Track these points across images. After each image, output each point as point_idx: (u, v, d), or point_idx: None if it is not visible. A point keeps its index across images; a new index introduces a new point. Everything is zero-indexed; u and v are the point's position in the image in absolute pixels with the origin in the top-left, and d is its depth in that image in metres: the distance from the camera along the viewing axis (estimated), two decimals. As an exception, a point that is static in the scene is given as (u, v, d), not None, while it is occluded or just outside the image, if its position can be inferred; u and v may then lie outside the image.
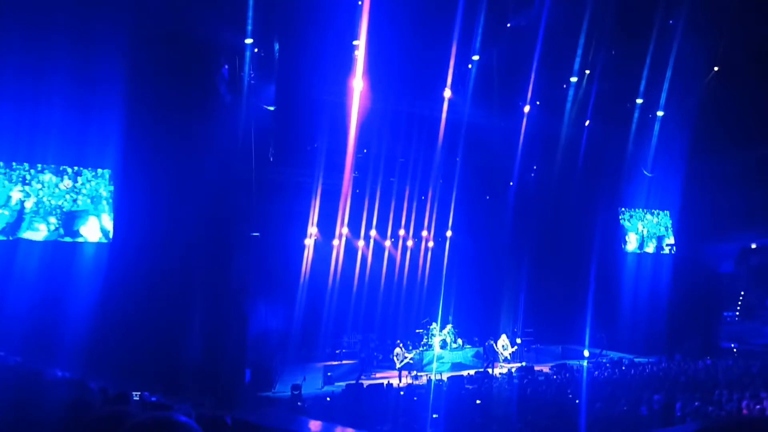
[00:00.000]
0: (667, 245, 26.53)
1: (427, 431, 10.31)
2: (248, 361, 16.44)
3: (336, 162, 19.61)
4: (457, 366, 19.89)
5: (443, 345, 20.41)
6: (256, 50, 17.30)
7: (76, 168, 15.64)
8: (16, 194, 14.99)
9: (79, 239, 15.53)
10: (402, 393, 14.85)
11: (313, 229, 19.96)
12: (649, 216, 26.67)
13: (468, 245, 23.25)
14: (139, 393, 8.95)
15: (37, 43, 13.95)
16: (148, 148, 15.43)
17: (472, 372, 17.97)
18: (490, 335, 20.86)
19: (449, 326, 20.96)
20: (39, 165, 15.22)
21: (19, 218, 14.97)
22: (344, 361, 19.45)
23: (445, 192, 22.54)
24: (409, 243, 22.72)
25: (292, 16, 17.45)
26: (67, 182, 15.51)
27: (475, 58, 20.48)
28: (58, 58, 13.96)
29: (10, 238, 14.77)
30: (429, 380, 16.86)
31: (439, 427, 10.30)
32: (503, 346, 20.69)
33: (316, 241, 20.17)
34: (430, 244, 23.15)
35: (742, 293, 25.92)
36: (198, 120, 15.73)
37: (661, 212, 26.82)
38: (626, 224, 26.12)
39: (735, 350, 21.91)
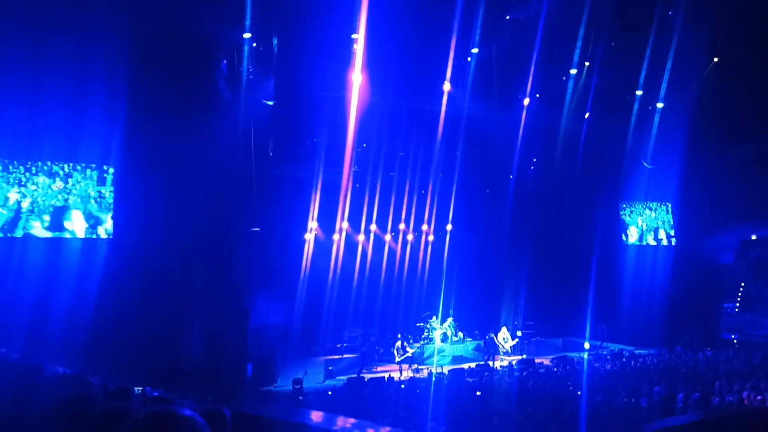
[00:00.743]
0: (668, 237, 26.53)
1: (429, 424, 10.33)
2: (250, 355, 16.47)
3: (336, 157, 19.59)
4: (458, 359, 19.93)
5: (444, 338, 20.45)
6: (254, 45, 17.25)
7: (67, 169, 15.61)
8: (13, 195, 15.04)
9: (66, 234, 15.53)
10: (403, 386, 14.88)
11: (313, 224, 19.96)
12: (649, 208, 26.66)
13: (468, 239, 23.26)
14: (141, 388, 8.96)
15: (35, 42, 13.91)
16: (148, 145, 15.42)
17: (473, 365, 18.01)
18: (491, 328, 20.91)
19: (450, 319, 21.00)
20: (33, 168, 15.23)
21: (16, 217, 15.00)
22: (345, 355, 19.50)
23: (445, 186, 22.53)
24: (410, 237, 22.73)
25: (290, 11, 17.38)
26: (59, 183, 15.53)
27: (475, 51, 20.43)
28: (56, 56, 13.94)
29: (9, 236, 14.80)
30: (430, 373, 16.90)
31: (441, 420, 10.31)
32: (504, 338, 20.73)
33: (316, 236, 20.18)
34: (431, 237, 23.17)
35: (743, 284, 25.94)
36: (197, 116, 15.70)
37: (661, 204, 26.81)
38: (626, 217, 26.12)
39: (735, 341, 21.95)
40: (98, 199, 15.93)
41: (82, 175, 15.80)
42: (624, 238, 25.72)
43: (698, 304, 23.81)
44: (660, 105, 23.66)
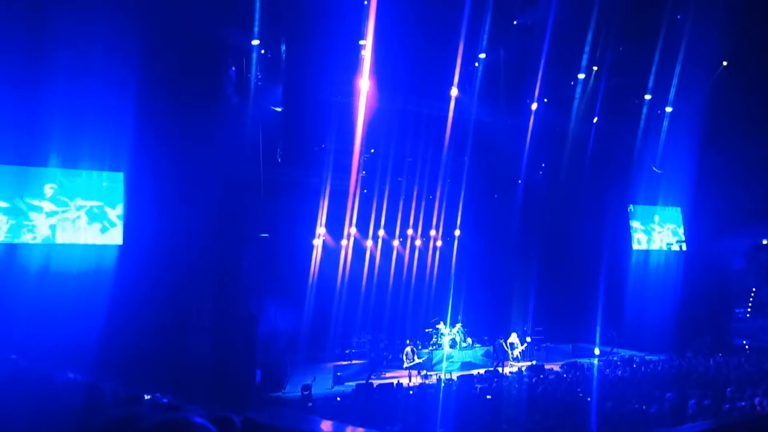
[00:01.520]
0: (678, 242, 26.36)
1: (438, 431, 10.30)
2: (258, 361, 16.48)
3: (344, 162, 19.62)
4: (466, 365, 19.87)
5: (453, 344, 20.40)
6: (263, 51, 17.34)
7: (76, 175, 15.72)
8: (22, 202, 15.19)
9: (76, 240, 15.64)
10: (412, 393, 14.84)
11: (321, 230, 20.00)
12: (658, 213, 26.52)
13: (476, 244, 23.22)
14: (150, 395, 8.98)
15: (39, 47, 14.03)
16: (157, 151, 15.50)
17: (482, 371, 17.94)
18: (500, 334, 20.83)
19: (459, 325, 20.94)
20: (42, 174, 15.35)
21: (22, 224, 15.13)
22: (354, 361, 19.47)
23: (453, 191, 22.51)
24: (418, 242, 22.71)
25: (298, 17, 17.47)
26: (67, 189, 15.66)
27: (482, 56, 20.44)
28: (62, 62, 14.05)
29: (15, 242, 14.92)
30: (439, 379, 16.85)
31: (450, 427, 10.29)
32: (513, 344, 20.66)
33: (324, 242, 20.20)
34: (439, 243, 23.13)
35: (754, 290, 25.72)
36: (205, 122, 15.78)
37: (671, 209, 26.67)
38: (635, 221, 25.99)
39: (747, 347, 21.75)
40: (108, 206, 16.03)
41: (92, 181, 15.90)
42: (633, 243, 25.58)
43: (709, 310, 23.64)
44: (669, 109, 23.57)
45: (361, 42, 17.64)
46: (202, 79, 16.11)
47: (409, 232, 22.35)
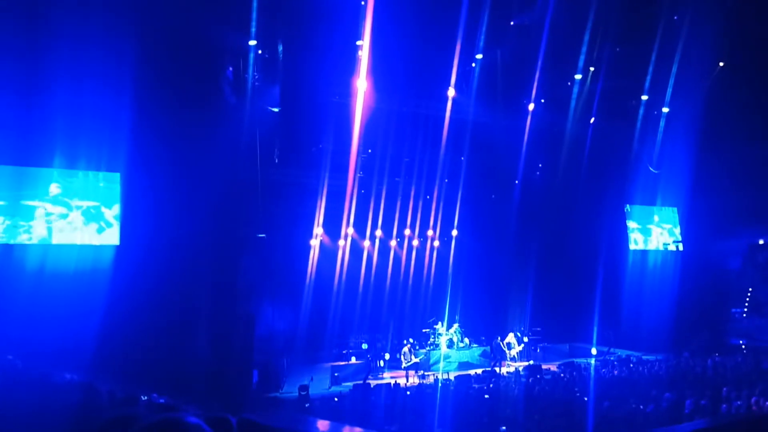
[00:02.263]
0: (674, 242, 26.42)
1: (435, 431, 10.30)
2: (255, 361, 16.47)
3: (341, 162, 19.62)
4: (464, 365, 19.89)
5: (450, 344, 20.41)
6: (260, 52, 17.34)
7: (74, 176, 15.70)
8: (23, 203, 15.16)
9: (73, 241, 15.61)
10: (409, 393, 14.85)
11: (318, 230, 19.99)
12: (655, 213, 26.58)
13: (474, 244, 23.23)
14: (146, 395, 8.97)
15: (36, 49, 14.02)
16: (153, 151, 15.49)
17: (479, 371, 17.96)
18: (497, 334, 20.85)
19: (456, 325, 20.96)
20: (41, 174, 15.33)
21: (18, 225, 15.10)
22: (351, 361, 19.47)
23: (451, 191, 22.52)
24: (415, 242, 22.72)
25: (295, 18, 17.47)
26: (66, 190, 15.64)
27: (479, 56, 20.46)
28: (59, 63, 14.03)
29: (11, 242, 14.90)
30: (436, 380, 16.86)
31: (447, 426, 10.29)
32: (510, 344, 20.68)
33: (321, 242, 20.20)
34: (436, 243, 23.14)
35: (750, 290, 25.77)
36: (203, 122, 15.77)
37: (667, 209, 26.73)
38: (632, 222, 26.04)
39: (743, 347, 21.80)
40: (104, 206, 16.01)
41: (88, 182, 15.88)
42: (630, 243, 25.63)
43: (706, 310, 23.69)
44: (666, 110, 23.62)
45: (358, 42, 17.64)
46: (199, 80, 16.10)
47: (407, 232, 22.35)
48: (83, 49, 14.23)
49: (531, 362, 19.90)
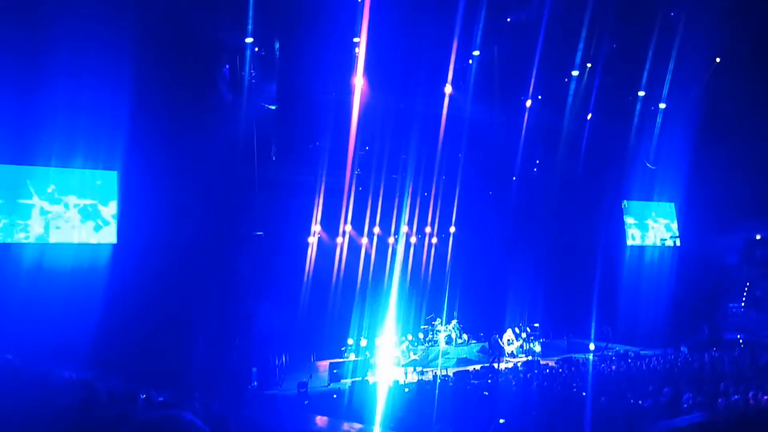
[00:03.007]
0: (672, 238, 26.48)
1: (434, 427, 10.32)
2: (254, 359, 16.47)
3: (338, 160, 19.61)
4: (462, 361, 19.92)
5: (448, 341, 20.43)
6: (256, 49, 17.31)
7: (70, 174, 15.67)
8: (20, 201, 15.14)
9: (70, 239, 15.60)
10: (407, 389, 14.87)
11: (316, 228, 19.99)
12: (653, 209, 26.64)
13: (472, 241, 23.24)
14: (145, 393, 8.97)
15: (37, 45, 13.98)
16: (150, 149, 15.47)
17: (477, 367, 17.99)
18: (495, 330, 20.88)
19: (454, 322, 20.98)
20: (37, 173, 15.30)
21: (15, 223, 15.08)
22: (350, 358, 19.48)
23: (448, 188, 22.52)
24: (413, 239, 22.71)
25: (291, 15, 17.44)
26: (62, 188, 15.62)
27: (476, 53, 20.44)
28: (56, 60, 13.99)
29: (9, 241, 14.88)
30: (435, 376, 16.88)
31: (446, 422, 10.31)
32: (509, 340, 20.72)
33: (319, 239, 20.19)
34: (434, 240, 23.14)
35: (748, 284, 25.85)
36: (200, 120, 15.76)
37: (665, 204, 26.78)
38: (630, 217, 26.09)
39: (741, 341, 21.87)
40: (101, 204, 15.99)
41: (85, 180, 15.85)
42: (628, 238, 25.68)
43: (703, 305, 23.77)
44: (662, 105, 23.65)
45: (355, 39, 17.62)
46: (196, 78, 16.08)
47: (405, 229, 22.34)
48: (80, 47, 14.19)
49: (529, 358, 19.94)
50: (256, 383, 16.29)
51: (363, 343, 19.45)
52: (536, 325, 22.30)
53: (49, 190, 15.41)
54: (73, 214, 15.63)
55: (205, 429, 1.79)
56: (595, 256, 22.30)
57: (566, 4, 19.36)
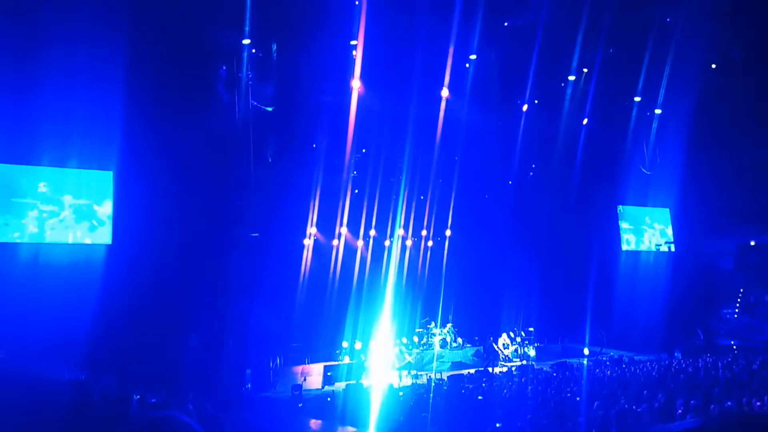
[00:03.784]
0: (666, 243, 26.55)
1: (428, 430, 10.31)
2: (248, 361, 16.43)
3: (335, 162, 19.60)
4: (457, 365, 19.89)
5: (443, 344, 20.41)
6: (253, 51, 17.30)
7: (66, 174, 15.62)
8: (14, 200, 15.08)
9: (65, 240, 15.55)
10: (401, 393, 14.84)
11: (312, 230, 19.97)
12: (647, 214, 26.71)
13: (467, 244, 23.25)
14: (138, 394, 8.95)
15: (33, 46, 13.95)
16: (146, 150, 15.45)
17: (472, 371, 17.97)
18: (490, 334, 20.88)
19: (449, 325, 20.97)
20: (32, 173, 15.25)
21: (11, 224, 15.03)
22: (344, 361, 19.44)
23: (444, 191, 22.53)
24: (409, 242, 22.71)
25: (289, 17, 17.44)
26: (58, 188, 15.57)
27: (473, 57, 20.48)
28: (52, 61, 13.97)
29: (2, 241, 14.83)
30: (429, 379, 16.85)
31: (440, 426, 10.30)
32: (503, 344, 20.72)
33: (315, 241, 20.17)
34: (430, 243, 23.15)
35: (742, 290, 25.94)
36: (196, 121, 15.74)
37: (660, 210, 26.86)
38: (625, 222, 26.16)
39: (735, 347, 21.93)
40: (96, 205, 15.94)
41: (80, 180, 15.81)
42: (622, 243, 25.75)
43: (697, 310, 23.83)
44: (658, 111, 23.73)
45: (353, 42, 17.63)
46: (193, 78, 16.07)
47: (400, 232, 22.34)
48: (76, 47, 14.18)
49: (524, 362, 19.94)
50: (250, 385, 16.24)
51: (357, 346, 19.39)
52: (531, 329, 22.28)
53: (44, 190, 15.36)
54: (67, 214, 15.58)
55: (200, 430, 1.79)
56: (590, 260, 22.36)
57: (563, 9, 19.41)
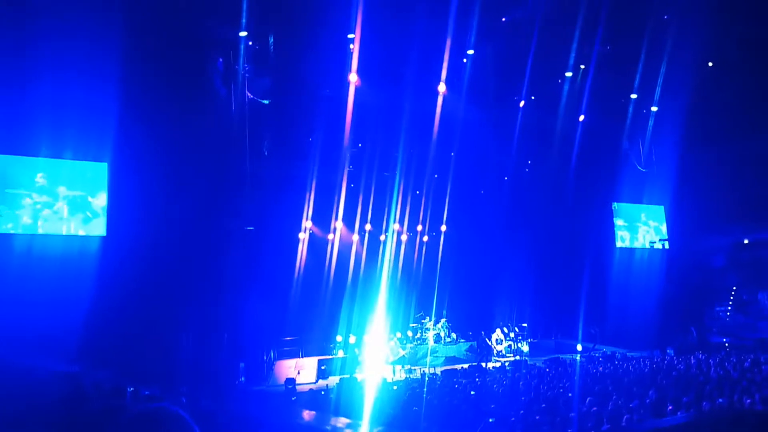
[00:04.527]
0: (660, 240, 26.65)
1: (421, 425, 10.35)
2: (242, 354, 16.44)
3: (331, 156, 19.58)
4: (450, 360, 19.96)
5: (437, 339, 20.47)
6: (250, 43, 17.24)
7: (60, 166, 15.55)
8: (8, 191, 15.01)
9: (60, 231, 15.50)
10: (395, 387, 14.88)
11: (307, 223, 19.96)
12: (642, 211, 26.80)
13: (462, 239, 23.29)
14: (132, 387, 8.94)
15: (27, 36, 13.87)
16: (143, 142, 15.39)
17: (465, 366, 18.04)
18: (484, 329, 20.95)
19: (443, 320, 21.03)
20: (26, 164, 15.18)
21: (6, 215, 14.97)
22: (338, 355, 19.48)
23: (440, 186, 22.55)
24: (404, 237, 22.73)
25: (286, 10, 17.38)
26: (52, 180, 15.50)
27: (470, 52, 20.45)
28: (46, 51, 13.89)
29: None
30: (423, 374, 16.91)
31: (433, 421, 10.34)
32: (497, 340, 20.79)
33: (311, 235, 20.16)
34: (425, 238, 23.18)
35: (734, 288, 26.07)
36: (192, 113, 15.69)
37: (654, 207, 26.95)
38: (619, 219, 26.24)
39: (727, 345, 22.06)
40: (91, 196, 15.88)
41: (75, 171, 15.74)
42: (617, 240, 25.83)
43: (690, 308, 23.95)
44: (654, 108, 23.77)
45: (350, 36, 17.59)
46: (189, 71, 16.01)
47: (396, 226, 22.35)
48: (71, 38, 14.09)
49: (517, 358, 20.02)
50: (243, 378, 16.26)
51: (352, 340, 19.42)
52: (524, 325, 22.38)
53: (39, 181, 15.29)
54: (62, 206, 15.52)
55: (192, 422, 1.80)
56: (584, 257, 22.43)
57: (560, 5, 19.39)
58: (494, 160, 23.29)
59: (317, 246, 20.37)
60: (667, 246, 26.51)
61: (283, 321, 18.99)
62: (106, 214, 15.88)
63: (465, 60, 20.65)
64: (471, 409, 10.91)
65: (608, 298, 23.25)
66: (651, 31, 20.63)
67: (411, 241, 22.91)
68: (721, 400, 10.10)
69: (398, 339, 19.59)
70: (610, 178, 24.93)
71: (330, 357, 19.00)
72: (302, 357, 18.54)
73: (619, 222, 26.17)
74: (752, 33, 19.85)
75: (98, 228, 15.84)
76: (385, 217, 21.85)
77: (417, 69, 19.73)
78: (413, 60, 19.42)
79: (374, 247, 21.90)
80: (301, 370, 17.09)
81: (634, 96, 23.35)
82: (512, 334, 21.51)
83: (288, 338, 18.80)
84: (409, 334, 20.52)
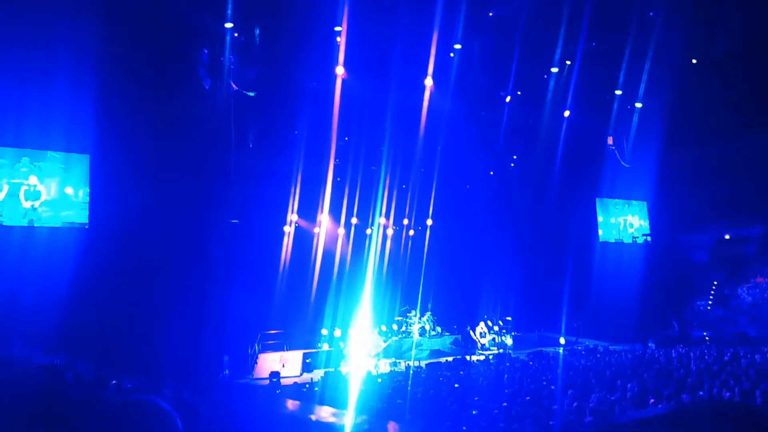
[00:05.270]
0: (643, 235, 26.92)
1: (405, 417, 10.38)
2: (226, 347, 16.39)
3: (317, 149, 19.52)
4: (435, 353, 20.05)
5: (422, 332, 20.55)
6: (236, 35, 17.11)
7: (42, 157, 15.37)
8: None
9: (42, 223, 15.33)
10: (380, 380, 14.93)
11: (292, 216, 19.91)
12: (625, 206, 27.04)
13: (448, 234, 23.36)
14: (115, 379, 8.88)
15: (8, 26, 13.66)
16: (126, 133, 15.25)
17: (450, 359, 18.13)
18: (469, 323, 21.05)
19: (428, 314, 21.10)
20: (7, 154, 14.97)
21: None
22: (323, 348, 19.48)
23: (426, 181, 22.58)
24: (390, 231, 22.76)
25: (272, 1, 17.26)
26: (33, 170, 15.32)
27: (457, 47, 20.46)
28: (28, 41, 13.70)
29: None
30: (407, 367, 16.97)
31: (418, 413, 10.38)
32: (481, 333, 20.91)
33: (296, 228, 20.11)
34: (411, 232, 23.22)
35: (715, 283, 26.43)
36: (177, 105, 15.55)
37: (637, 203, 27.20)
38: (603, 214, 26.46)
39: (707, 338, 22.37)
40: (74, 188, 15.72)
41: (58, 163, 15.57)
42: (600, 235, 26.06)
43: (672, 302, 24.24)
44: (639, 105, 23.94)
45: (337, 28, 17.51)
46: (173, 62, 15.87)
47: (382, 220, 22.36)
48: (53, 29, 13.91)
49: (501, 351, 20.16)
50: (227, 371, 16.22)
51: (336, 333, 19.43)
52: (508, 318, 22.52)
53: (22, 172, 15.10)
54: (44, 197, 15.35)
55: (173, 413, 1.79)
56: (568, 251, 22.60)
57: (547, 1, 19.44)
58: (480, 154, 23.35)
59: (303, 239, 20.32)
60: (649, 240, 26.79)
61: (268, 314, 18.94)
62: (88, 206, 15.72)
63: (452, 54, 20.65)
64: (455, 401, 10.96)
65: (591, 292, 23.46)
66: (636, 29, 20.76)
67: (397, 235, 22.94)
68: (701, 393, 10.24)
69: (380, 331, 19.63)
70: (595, 174, 25.12)
71: (315, 350, 19.01)
72: (287, 350, 18.50)
73: (602, 217, 26.38)
74: (736, 31, 20.05)
75: (80, 219, 15.68)
76: (371, 210, 21.84)
77: (404, 63, 19.70)
78: (400, 54, 19.40)
79: (360, 240, 21.89)
80: (285, 363, 17.08)
81: (618, 92, 23.49)
82: (496, 328, 21.65)
83: (273, 331, 18.73)
84: (394, 327, 20.58)
